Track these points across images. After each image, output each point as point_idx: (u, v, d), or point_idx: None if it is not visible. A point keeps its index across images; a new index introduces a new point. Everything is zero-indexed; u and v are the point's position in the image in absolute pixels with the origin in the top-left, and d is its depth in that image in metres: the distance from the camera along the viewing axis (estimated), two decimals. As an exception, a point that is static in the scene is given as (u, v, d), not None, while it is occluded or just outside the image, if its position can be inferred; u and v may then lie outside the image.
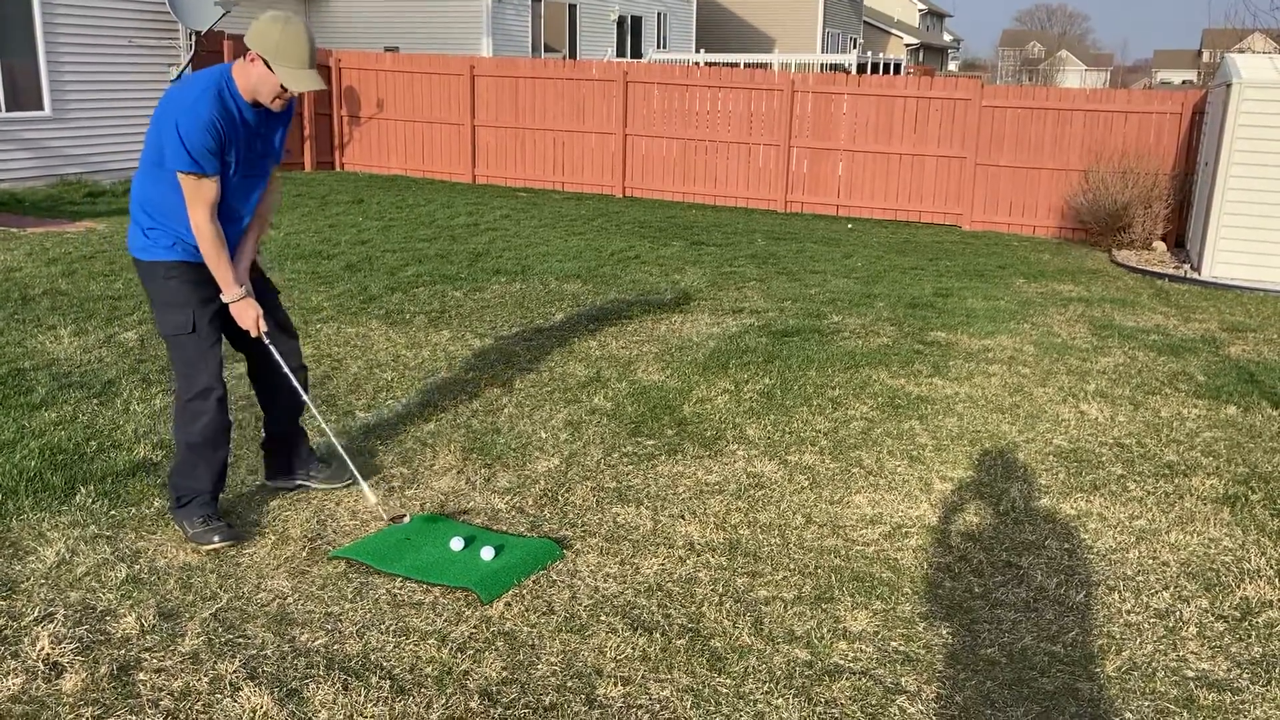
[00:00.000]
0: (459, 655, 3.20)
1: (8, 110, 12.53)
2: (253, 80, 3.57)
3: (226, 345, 3.95)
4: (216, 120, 3.50)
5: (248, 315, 3.79)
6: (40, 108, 12.84)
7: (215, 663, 3.10)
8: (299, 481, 4.34)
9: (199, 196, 3.56)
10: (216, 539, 3.78)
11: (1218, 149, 10.26)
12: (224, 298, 3.75)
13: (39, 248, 9.01)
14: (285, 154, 3.94)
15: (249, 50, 3.55)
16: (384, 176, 15.92)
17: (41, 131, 12.89)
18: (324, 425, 4.26)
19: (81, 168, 13.38)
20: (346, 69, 16.02)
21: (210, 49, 14.84)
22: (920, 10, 56.60)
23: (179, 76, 14.36)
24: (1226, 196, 10.11)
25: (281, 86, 3.56)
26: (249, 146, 3.69)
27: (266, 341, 3.91)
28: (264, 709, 2.89)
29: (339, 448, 4.20)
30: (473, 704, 2.96)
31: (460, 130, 15.73)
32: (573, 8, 24.96)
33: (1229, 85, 10.05)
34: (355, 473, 4.15)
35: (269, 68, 3.53)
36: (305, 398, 4.11)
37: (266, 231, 3.97)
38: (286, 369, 3.99)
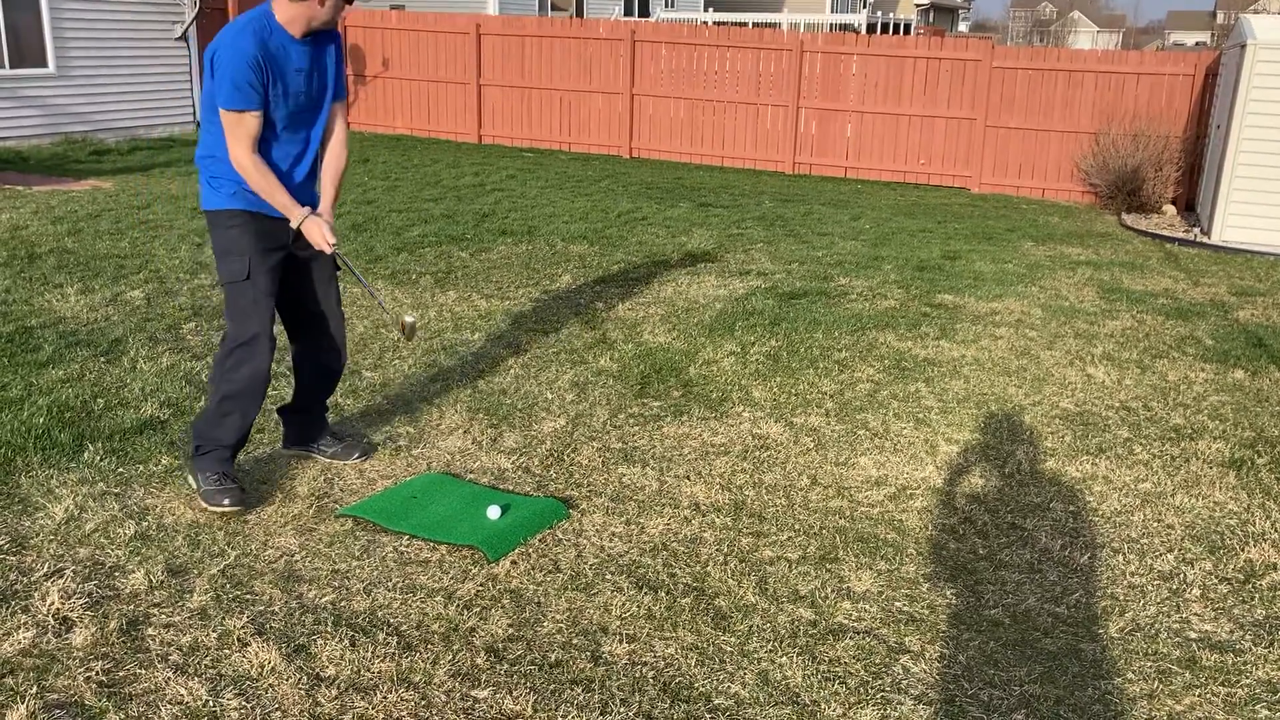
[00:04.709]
0: (465, 612, 3.23)
1: (11, 67, 12.46)
2: (298, 5, 3.54)
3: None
4: (256, 54, 3.48)
5: (315, 232, 3.74)
6: (44, 64, 12.77)
7: (223, 618, 3.13)
8: (309, 452, 4.33)
9: (239, 131, 3.53)
10: (226, 501, 3.74)
11: (1230, 111, 10.16)
12: (293, 223, 3.72)
13: (45, 206, 8.99)
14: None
15: None
16: (389, 136, 15.84)
17: (45, 89, 12.83)
18: (351, 268, 4.20)
19: (86, 126, 13.33)
20: (351, 27, 15.89)
21: (215, 5, 14.73)
22: (931, -30, 55.79)
23: (183, 34, 14.26)
24: (1238, 160, 10.02)
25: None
26: (296, 80, 3.65)
27: (339, 255, 3.87)
28: (272, 664, 2.91)
29: (358, 276, 4.12)
30: (479, 660, 2.99)
31: (466, 90, 15.63)
32: (580, -35, 24.68)
33: (1243, 46, 9.93)
34: (373, 291, 4.19)
35: None
36: (360, 278, 4.16)
37: (344, 168, 3.93)
38: (354, 270, 4.01)
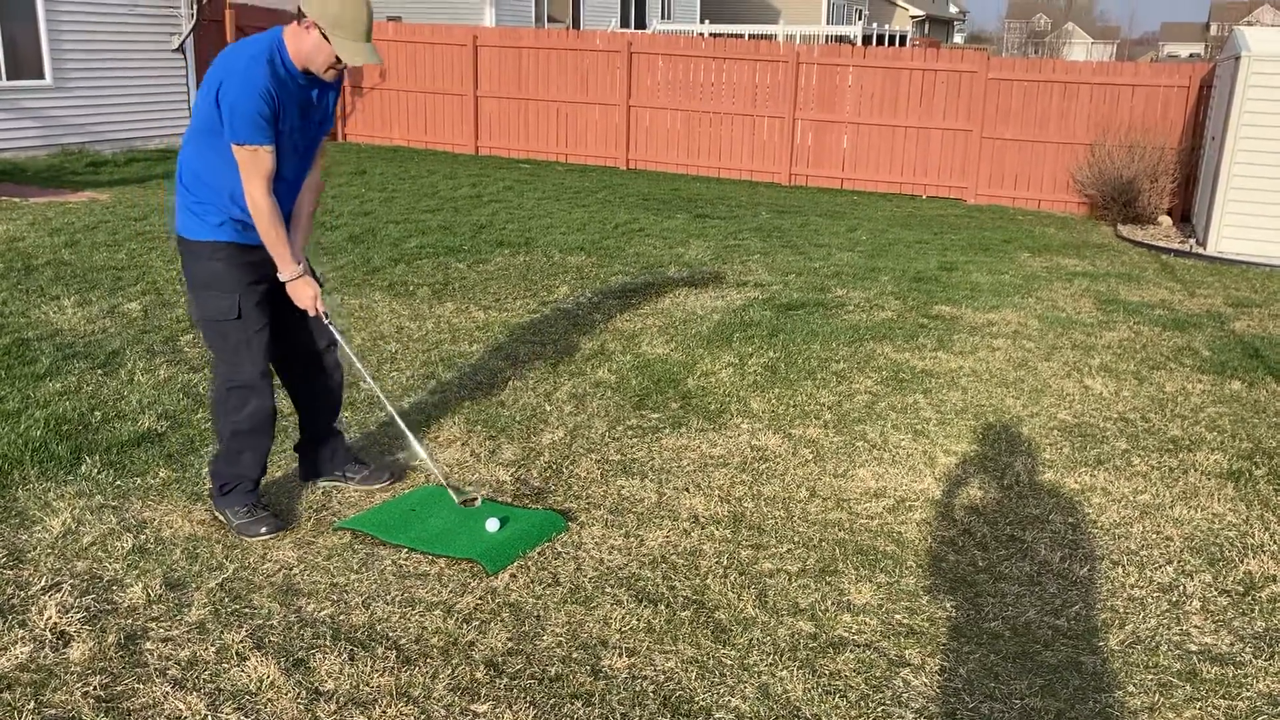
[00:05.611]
0: (465, 626, 3.22)
1: (9, 79, 12.46)
2: (306, 49, 3.41)
3: None
4: (270, 87, 3.35)
5: (305, 295, 3.63)
6: (41, 76, 12.77)
7: (222, 632, 3.11)
8: (334, 482, 4.19)
9: (255, 169, 3.39)
10: (264, 530, 3.70)
11: (1225, 123, 10.20)
12: (281, 276, 3.59)
13: (41, 218, 8.99)
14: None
15: (303, 16, 3.38)
16: (386, 147, 15.85)
17: (42, 100, 12.83)
18: (387, 403, 4.14)
19: (83, 137, 13.33)
20: (349, 39, 15.90)
21: (212, 17, 14.75)
22: (926, -18, 56.03)
23: (180, 45, 14.28)
24: (1233, 171, 10.06)
25: (336, 58, 3.42)
26: (302, 115, 3.53)
27: (326, 321, 3.77)
28: (271, 678, 2.90)
29: (403, 426, 4.04)
30: (478, 674, 2.98)
31: (463, 101, 15.65)
32: (576, -23, 24.75)
33: (1238, 58, 9.97)
34: (424, 455, 4.07)
35: (324, 37, 3.38)
36: (367, 377, 4.12)
37: (318, 205, 3.83)
38: (347, 347, 3.87)
